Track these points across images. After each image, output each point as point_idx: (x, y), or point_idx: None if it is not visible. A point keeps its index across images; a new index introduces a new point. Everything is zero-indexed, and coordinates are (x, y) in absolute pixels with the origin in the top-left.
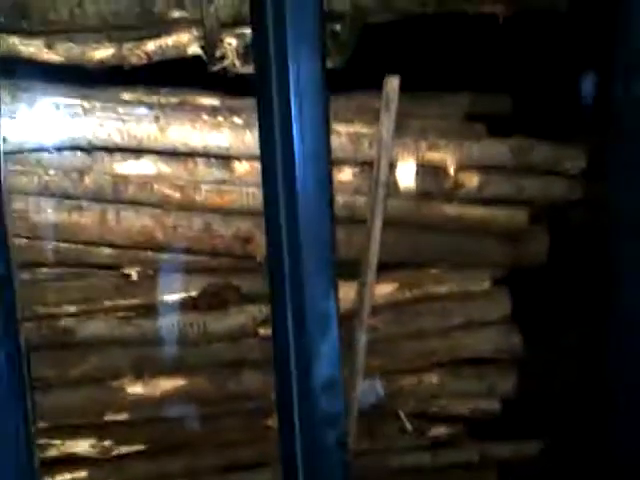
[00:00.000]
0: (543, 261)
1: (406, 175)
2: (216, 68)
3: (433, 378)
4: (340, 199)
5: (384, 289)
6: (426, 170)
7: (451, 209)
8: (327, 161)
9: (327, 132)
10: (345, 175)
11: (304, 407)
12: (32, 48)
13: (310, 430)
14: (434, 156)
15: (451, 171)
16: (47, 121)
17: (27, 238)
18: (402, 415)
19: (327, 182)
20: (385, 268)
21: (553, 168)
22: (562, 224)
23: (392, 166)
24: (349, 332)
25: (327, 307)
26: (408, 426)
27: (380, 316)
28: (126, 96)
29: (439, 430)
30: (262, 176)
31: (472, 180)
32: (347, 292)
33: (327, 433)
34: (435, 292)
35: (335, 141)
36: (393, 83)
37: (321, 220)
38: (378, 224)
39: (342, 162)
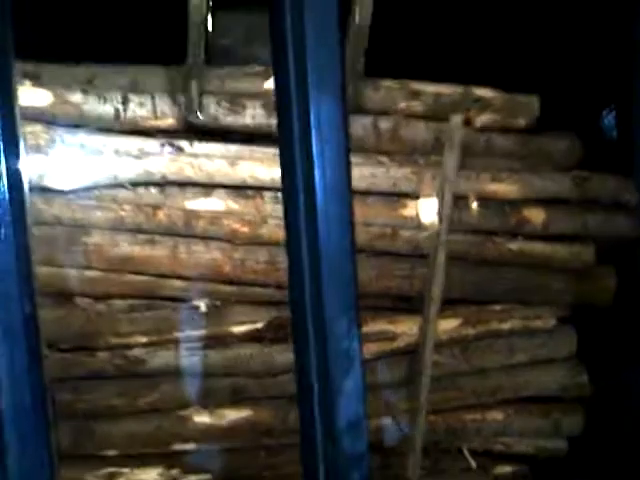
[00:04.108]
0: (610, 299)
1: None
2: None
3: (498, 415)
4: (404, 233)
5: (448, 324)
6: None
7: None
8: (349, 201)
9: (349, 170)
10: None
11: (328, 447)
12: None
13: (334, 470)
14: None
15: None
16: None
17: (102, 271)
18: (466, 452)
19: (349, 222)
20: (449, 303)
21: (614, 200)
22: (629, 261)
23: (456, 201)
24: (413, 367)
25: (350, 346)
26: (472, 464)
27: (444, 352)
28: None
29: (504, 469)
30: (284, 218)
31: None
32: (411, 327)
33: (351, 474)
34: (500, 329)
35: (398, 173)
36: (457, 120)
37: (343, 259)
38: (442, 259)
39: (406, 195)
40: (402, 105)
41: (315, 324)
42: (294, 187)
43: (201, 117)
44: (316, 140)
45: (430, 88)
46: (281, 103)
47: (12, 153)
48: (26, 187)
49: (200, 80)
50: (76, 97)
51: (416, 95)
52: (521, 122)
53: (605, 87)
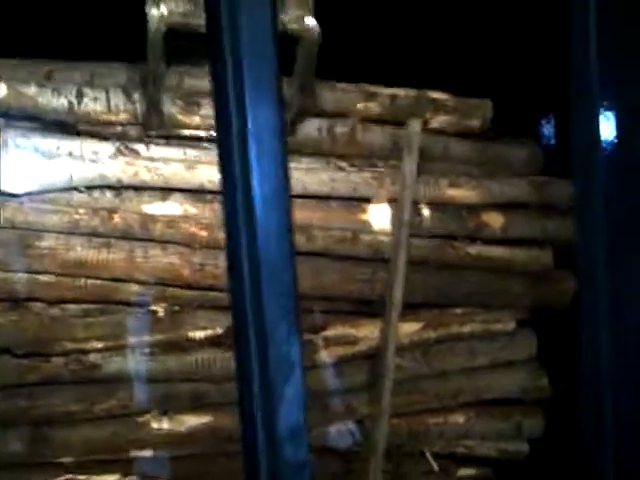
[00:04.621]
0: (568, 301)
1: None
2: None
3: (460, 418)
4: (364, 237)
5: (409, 328)
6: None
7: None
8: (287, 207)
9: (287, 177)
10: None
11: (270, 455)
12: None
13: (275, 477)
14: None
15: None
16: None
17: (56, 275)
18: (429, 455)
19: (287, 229)
20: (410, 307)
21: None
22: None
23: (415, 205)
24: (375, 371)
25: (290, 352)
26: (435, 467)
27: (406, 355)
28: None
29: (466, 471)
30: (224, 222)
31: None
32: (372, 331)
33: None
34: (460, 332)
35: (358, 178)
36: (415, 125)
37: (282, 265)
38: (402, 263)
39: (366, 200)
40: (358, 107)
41: (256, 329)
42: (232, 195)
43: (157, 114)
44: (253, 148)
45: (386, 91)
46: (219, 110)
47: None
48: None
49: (158, 77)
50: (31, 90)
51: (372, 97)
52: (475, 123)
53: (546, 92)
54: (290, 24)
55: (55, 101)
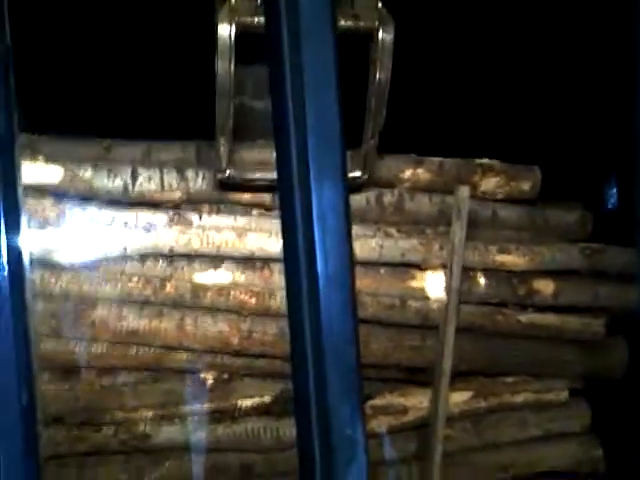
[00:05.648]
0: (622, 371)
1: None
2: None
3: None
4: (413, 304)
5: (459, 397)
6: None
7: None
8: (352, 290)
9: (352, 257)
10: (417, 281)
11: None
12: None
13: None
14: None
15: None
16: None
17: (108, 344)
18: None
19: (352, 310)
20: (459, 376)
21: (626, 271)
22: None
23: (465, 271)
24: (424, 441)
25: (354, 434)
26: None
27: (456, 425)
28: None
29: None
30: (287, 302)
31: (547, 286)
32: (421, 400)
33: None
34: (512, 402)
35: (406, 244)
36: (464, 191)
37: (346, 345)
38: (451, 330)
39: (415, 266)
40: (406, 176)
41: (318, 411)
42: (297, 275)
43: (227, 174)
44: (318, 229)
45: (433, 160)
46: (283, 190)
47: (13, 231)
48: (27, 265)
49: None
50: (87, 173)
51: (419, 165)
52: (525, 188)
53: (606, 155)
54: (360, 20)
55: (110, 183)
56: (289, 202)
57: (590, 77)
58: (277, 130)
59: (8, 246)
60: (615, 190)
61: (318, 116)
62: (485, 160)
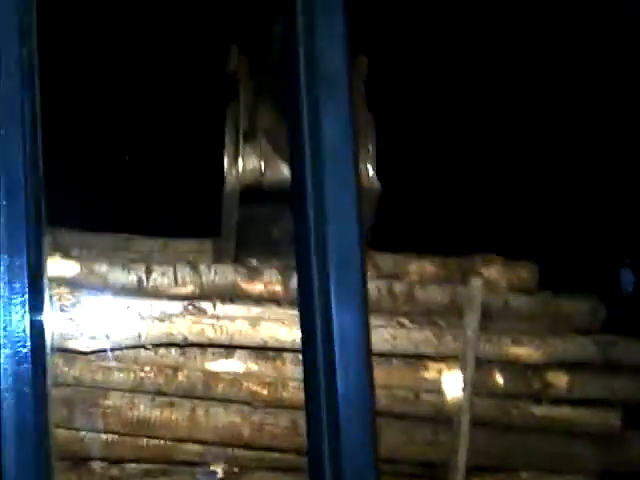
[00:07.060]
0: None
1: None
2: None
3: None
4: (427, 397)
5: None
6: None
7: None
8: (371, 408)
9: (371, 378)
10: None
11: None
12: None
13: None
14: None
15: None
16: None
17: (118, 434)
18: None
19: (372, 434)
20: (474, 470)
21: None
22: None
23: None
24: None
25: None
26: None
27: None
28: None
29: None
30: (306, 424)
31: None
32: None
33: None
34: None
35: (419, 336)
36: (477, 283)
37: (364, 446)
38: (466, 426)
39: (428, 358)
40: (413, 269)
41: None
42: (317, 400)
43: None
44: (337, 355)
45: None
46: (303, 312)
47: (37, 316)
48: (48, 350)
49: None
50: (102, 268)
51: (425, 258)
52: (524, 285)
53: (620, 242)
54: None
55: (125, 278)
56: (310, 331)
57: (601, 166)
58: (299, 256)
59: (31, 321)
60: (631, 278)
61: (340, 249)
62: (485, 257)
